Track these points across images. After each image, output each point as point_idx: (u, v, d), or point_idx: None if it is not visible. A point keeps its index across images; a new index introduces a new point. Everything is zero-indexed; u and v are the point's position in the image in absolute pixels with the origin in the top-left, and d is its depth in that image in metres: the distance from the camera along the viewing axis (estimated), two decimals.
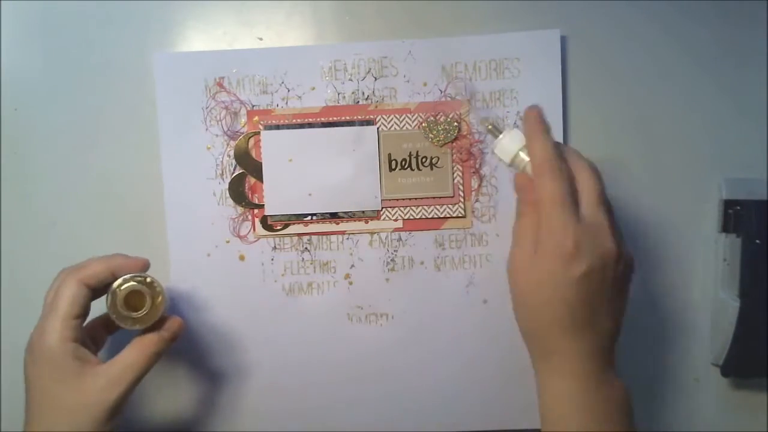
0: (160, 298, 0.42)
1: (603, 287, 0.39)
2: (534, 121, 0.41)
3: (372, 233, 0.51)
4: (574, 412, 0.40)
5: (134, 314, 0.42)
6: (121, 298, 0.42)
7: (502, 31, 0.50)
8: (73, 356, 0.40)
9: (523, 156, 0.42)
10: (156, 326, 0.43)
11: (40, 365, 0.40)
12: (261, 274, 0.51)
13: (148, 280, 0.42)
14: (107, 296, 0.42)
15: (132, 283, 0.42)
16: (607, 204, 0.41)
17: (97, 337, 0.46)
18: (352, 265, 0.51)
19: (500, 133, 0.43)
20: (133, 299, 0.42)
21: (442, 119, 0.50)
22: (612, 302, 0.40)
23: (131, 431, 0.52)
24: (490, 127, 0.44)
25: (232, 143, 0.51)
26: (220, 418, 0.52)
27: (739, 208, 0.50)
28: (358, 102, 0.51)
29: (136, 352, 0.42)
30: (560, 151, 0.41)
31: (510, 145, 0.43)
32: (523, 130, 0.42)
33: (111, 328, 0.47)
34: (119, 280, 0.42)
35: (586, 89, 0.51)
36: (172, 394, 0.52)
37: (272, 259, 0.51)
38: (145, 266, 0.44)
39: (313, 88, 0.51)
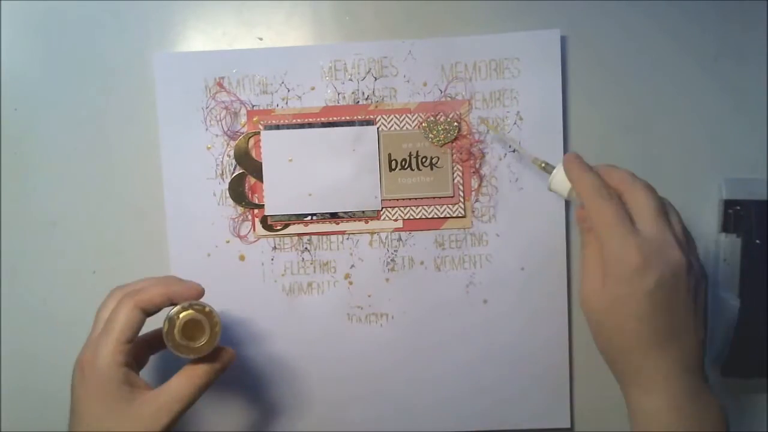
0: (217, 328, 0.41)
1: (678, 297, 0.38)
2: (572, 160, 0.43)
3: (372, 233, 0.51)
4: (666, 430, 0.38)
5: (192, 344, 0.40)
6: (179, 327, 0.40)
7: (502, 31, 0.50)
8: (123, 381, 0.39)
9: None
10: (208, 355, 0.41)
11: (90, 387, 0.39)
12: (261, 274, 0.51)
13: (207, 309, 0.41)
14: (164, 323, 0.40)
15: (191, 311, 0.41)
16: (666, 216, 0.40)
17: (140, 356, 0.45)
18: (352, 265, 0.51)
19: (553, 168, 0.45)
20: (190, 328, 0.41)
21: (442, 119, 0.50)
22: (690, 314, 0.39)
23: None
24: (543, 165, 0.46)
25: (232, 143, 0.51)
26: (220, 417, 0.52)
27: (739, 208, 0.50)
28: (358, 102, 0.51)
29: (186, 382, 0.41)
30: (604, 179, 0.41)
31: (565, 179, 0.44)
32: (566, 170, 0.43)
33: (155, 348, 0.46)
34: (177, 308, 0.41)
35: (586, 89, 0.51)
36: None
37: (272, 259, 0.51)
38: (201, 293, 0.43)
39: (313, 88, 0.51)
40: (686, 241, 0.40)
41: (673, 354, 0.39)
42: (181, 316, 0.41)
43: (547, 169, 0.45)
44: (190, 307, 0.41)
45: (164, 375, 0.42)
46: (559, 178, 0.44)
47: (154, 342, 0.45)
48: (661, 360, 0.39)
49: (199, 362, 0.41)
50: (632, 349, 0.39)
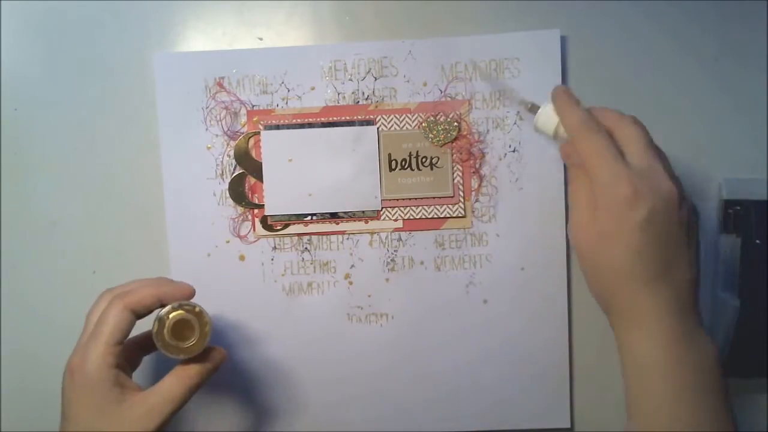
0: (207, 328, 0.41)
1: (670, 230, 0.37)
2: (562, 94, 0.42)
3: (372, 233, 0.51)
4: (658, 373, 0.37)
5: (182, 344, 0.40)
6: (169, 327, 0.40)
7: (502, 31, 0.50)
8: (113, 383, 0.39)
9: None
10: (199, 356, 0.41)
11: (80, 389, 0.39)
12: (261, 274, 0.51)
13: (197, 309, 0.41)
14: (154, 323, 0.40)
15: (180, 311, 0.41)
16: (656, 150, 0.40)
17: (132, 357, 0.45)
18: (352, 265, 0.51)
19: (539, 108, 0.45)
20: (180, 328, 0.41)
21: (442, 119, 0.50)
22: (682, 248, 0.38)
23: None
24: (529, 105, 0.46)
25: (232, 143, 0.51)
26: (217, 418, 0.52)
27: (739, 208, 0.50)
28: (358, 102, 0.51)
29: (177, 382, 0.40)
30: (592, 112, 0.41)
31: (551, 116, 0.43)
32: (555, 105, 0.43)
33: (147, 349, 0.46)
34: (167, 308, 0.41)
35: (586, 89, 0.51)
36: None
37: (272, 259, 0.51)
38: (192, 293, 0.43)
39: (313, 88, 0.51)
40: (675, 175, 0.40)
41: (666, 291, 0.38)
42: (170, 316, 0.40)
43: (533, 109, 0.45)
44: (180, 307, 0.41)
45: (157, 377, 0.42)
46: (545, 116, 0.44)
47: (146, 344, 0.44)
48: (654, 297, 0.38)
49: (190, 362, 0.41)
50: (624, 284, 0.38)
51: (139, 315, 0.42)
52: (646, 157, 0.39)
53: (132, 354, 0.45)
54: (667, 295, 0.38)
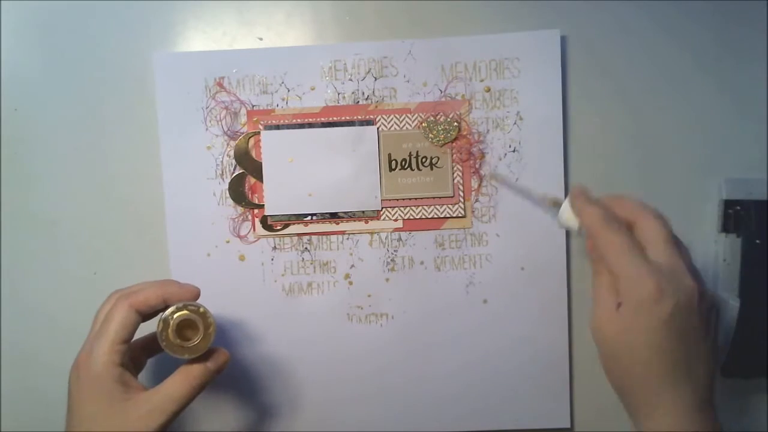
0: (211, 329, 0.41)
1: (692, 327, 0.38)
2: (578, 195, 0.42)
3: (372, 233, 0.51)
4: None
5: (186, 344, 0.41)
6: (173, 327, 0.40)
7: (502, 31, 0.50)
8: (118, 381, 0.40)
9: None
10: (203, 356, 0.42)
11: (85, 386, 0.40)
12: (261, 274, 0.51)
13: (201, 309, 0.41)
14: (158, 323, 0.41)
15: (185, 311, 0.41)
16: (678, 244, 0.40)
17: (137, 359, 0.45)
18: (352, 265, 0.51)
19: (561, 204, 0.44)
20: (184, 328, 0.41)
21: (442, 119, 0.50)
22: (702, 343, 0.38)
23: None
24: (551, 203, 0.46)
25: (232, 143, 0.51)
26: (219, 417, 0.52)
27: (739, 208, 0.50)
28: (358, 102, 0.51)
29: (181, 382, 0.41)
30: (610, 209, 0.41)
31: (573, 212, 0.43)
32: (572, 205, 0.43)
33: (152, 351, 0.46)
34: (172, 308, 0.41)
35: (586, 89, 0.51)
36: None
37: (272, 259, 0.51)
38: (197, 295, 0.43)
39: (313, 88, 0.51)
40: (696, 270, 0.40)
41: (686, 386, 0.38)
42: (175, 316, 0.41)
43: (556, 204, 0.45)
44: (185, 307, 0.41)
45: (161, 378, 0.42)
46: (568, 213, 0.43)
47: (152, 345, 0.45)
48: (674, 393, 0.38)
49: (194, 363, 0.42)
50: (645, 380, 0.38)
51: (145, 315, 0.42)
52: (668, 253, 0.38)
53: (137, 356, 0.45)
54: (686, 390, 0.38)
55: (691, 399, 0.38)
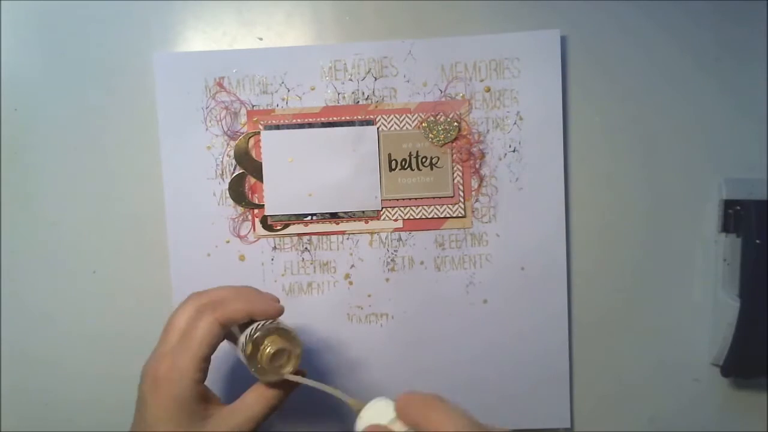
0: (299, 351, 0.39)
1: None
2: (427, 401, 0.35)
3: (372, 233, 0.51)
4: None
5: (278, 371, 0.39)
6: (267, 355, 0.38)
7: (502, 31, 0.50)
8: (200, 398, 0.38)
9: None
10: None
11: (166, 402, 0.38)
12: (261, 274, 0.51)
13: (292, 335, 0.39)
14: (247, 344, 0.38)
15: (276, 337, 0.39)
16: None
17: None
18: (352, 265, 0.51)
19: (362, 406, 0.36)
20: (276, 355, 0.39)
21: (442, 119, 0.50)
22: None
23: None
24: (351, 403, 0.37)
25: (232, 143, 0.51)
26: None
27: (739, 208, 0.50)
28: (358, 102, 0.51)
29: (260, 402, 0.40)
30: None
31: (375, 418, 0.36)
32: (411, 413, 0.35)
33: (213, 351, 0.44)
34: (262, 331, 0.38)
35: (586, 89, 0.51)
36: None
37: (272, 259, 0.51)
38: (281, 312, 0.41)
39: (313, 88, 0.51)
40: None
41: None
42: (266, 341, 0.39)
43: (355, 407, 0.37)
44: (276, 332, 0.39)
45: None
46: (370, 416, 0.36)
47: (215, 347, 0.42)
48: None
49: (273, 383, 0.40)
50: None
51: (228, 328, 0.40)
52: None
53: None
54: None
55: None
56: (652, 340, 0.53)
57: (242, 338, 0.39)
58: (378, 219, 0.51)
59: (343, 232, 0.51)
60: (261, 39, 0.51)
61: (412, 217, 0.51)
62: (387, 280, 0.52)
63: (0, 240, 0.52)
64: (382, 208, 0.51)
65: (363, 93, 0.51)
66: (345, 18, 0.51)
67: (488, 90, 0.50)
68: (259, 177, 0.51)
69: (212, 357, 0.39)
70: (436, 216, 0.51)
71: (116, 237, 0.52)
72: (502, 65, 0.50)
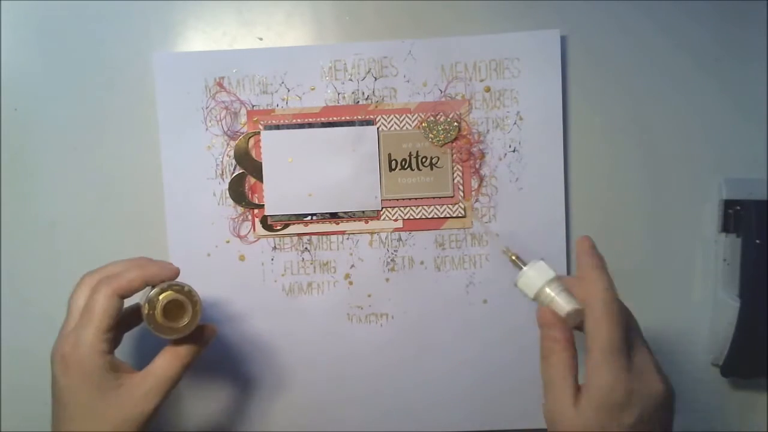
0: (198, 307, 0.40)
1: (653, 429, 0.36)
2: (590, 254, 0.38)
3: (372, 233, 0.51)
4: None
5: (174, 324, 0.40)
6: (161, 309, 0.40)
7: (502, 31, 0.50)
8: (109, 368, 0.39)
9: (549, 291, 0.39)
10: (189, 334, 0.41)
11: (75, 378, 0.39)
12: (261, 274, 0.51)
13: (186, 288, 0.40)
14: (144, 305, 0.40)
15: (170, 292, 0.40)
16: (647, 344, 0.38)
17: (116, 336, 0.44)
18: (352, 265, 0.51)
19: (524, 265, 0.40)
20: (171, 308, 0.40)
21: (442, 119, 0.50)
22: None
23: None
24: (513, 258, 0.41)
25: (232, 143, 0.51)
26: (220, 416, 0.52)
27: (739, 208, 0.50)
28: (358, 102, 0.51)
29: (171, 361, 0.41)
30: (615, 290, 0.37)
31: (536, 279, 0.39)
32: (578, 262, 0.39)
33: (129, 326, 0.45)
34: (156, 289, 0.40)
35: (586, 89, 0.51)
36: None
37: (272, 259, 0.51)
38: (177, 273, 0.42)
39: (313, 88, 0.51)
40: (660, 366, 0.38)
41: None
42: (161, 297, 0.40)
43: (518, 263, 0.41)
44: (169, 288, 0.40)
45: (140, 349, 0.42)
46: (531, 277, 0.39)
47: (128, 320, 0.44)
48: None
49: (180, 341, 0.41)
50: None
51: (126, 298, 0.41)
52: (641, 353, 0.37)
53: (115, 333, 0.44)
54: None
55: None
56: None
57: (142, 303, 0.40)
58: (378, 219, 0.51)
59: (343, 232, 0.51)
60: (261, 39, 0.51)
61: (412, 217, 0.51)
62: (387, 280, 0.52)
63: (0, 240, 0.52)
64: (382, 208, 0.51)
65: (363, 93, 0.51)
66: (345, 18, 0.51)
67: (488, 90, 0.50)
68: (259, 177, 0.51)
69: (134, 339, 0.40)
70: (436, 216, 0.51)
71: (116, 237, 0.52)
72: (502, 65, 0.50)
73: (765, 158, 0.51)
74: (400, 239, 0.51)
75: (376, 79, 0.51)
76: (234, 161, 0.51)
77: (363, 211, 0.51)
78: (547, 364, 0.38)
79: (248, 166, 0.51)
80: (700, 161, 0.52)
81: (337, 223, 0.51)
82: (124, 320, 0.44)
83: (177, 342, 0.41)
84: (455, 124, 0.50)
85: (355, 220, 0.51)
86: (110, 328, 0.40)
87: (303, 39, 0.51)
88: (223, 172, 0.51)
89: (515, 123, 0.51)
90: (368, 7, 0.51)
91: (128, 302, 0.42)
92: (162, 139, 0.51)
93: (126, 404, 0.39)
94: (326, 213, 0.51)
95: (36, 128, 0.51)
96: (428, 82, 0.50)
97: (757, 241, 0.49)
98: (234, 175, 0.51)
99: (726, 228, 0.51)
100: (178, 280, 0.42)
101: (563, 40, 0.50)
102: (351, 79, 0.51)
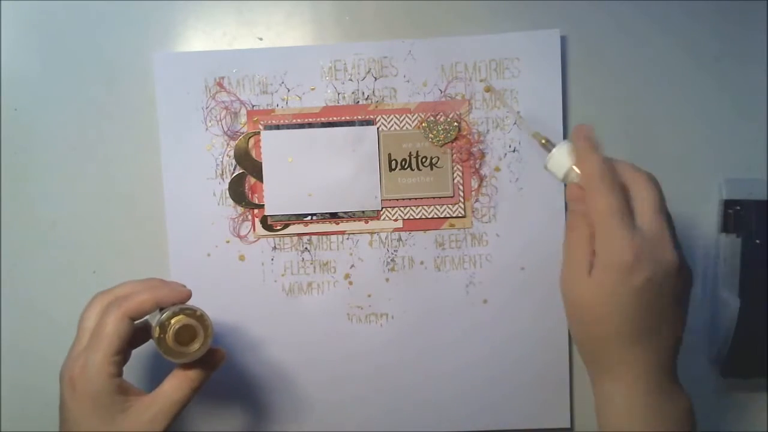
0: (209, 331, 0.40)
1: (663, 299, 0.38)
2: (583, 137, 0.41)
3: (372, 233, 0.51)
4: (635, 424, 0.38)
5: (185, 349, 0.40)
6: (172, 334, 0.40)
7: (502, 31, 0.50)
8: (117, 391, 0.39)
9: (577, 170, 0.41)
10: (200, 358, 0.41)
11: (84, 400, 0.39)
12: (261, 274, 0.51)
13: (198, 313, 0.40)
14: (155, 328, 0.40)
15: (182, 316, 0.40)
16: (666, 215, 0.39)
17: (124, 355, 0.44)
18: (352, 265, 0.51)
19: (553, 146, 0.42)
20: (182, 332, 0.40)
21: (442, 119, 0.50)
22: (672, 314, 0.39)
23: None
24: (543, 141, 0.43)
25: (232, 143, 0.51)
26: (220, 417, 0.52)
27: (739, 208, 0.50)
28: (358, 102, 0.51)
29: (180, 385, 0.41)
30: (611, 164, 0.40)
31: (564, 159, 0.42)
32: (575, 147, 0.41)
33: (136, 344, 0.45)
34: (168, 313, 0.40)
35: (586, 89, 0.51)
36: None
37: (272, 259, 0.51)
38: (189, 296, 0.42)
39: (313, 88, 0.51)
40: (679, 244, 0.40)
41: (650, 349, 0.39)
42: (172, 321, 0.40)
43: (547, 146, 0.43)
44: (181, 312, 0.40)
45: (148, 369, 0.42)
46: (558, 158, 0.42)
47: (137, 337, 0.44)
48: (638, 354, 0.38)
49: (190, 364, 0.41)
50: (610, 342, 0.39)
51: (137, 321, 0.41)
52: (655, 222, 0.38)
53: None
54: (650, 355, 0.39)
55: (653, 361, 0.39)
56: None
57: (153, 325, 0.40)
58: (378, 219, 0.51)
59: (343, 232, 0.51)
60: (261, 39, 0.51)
61: (412, 217, 0.51)
62: (387, 280, 0.52)
63: (0, 240, 0.52)
64: (382, 208, 0.51)
65: (363, 93, 0.51)
66: (345, 18, 0.51)
67: (488, 90, 0.50)
68: (259, 177, 0.51)
69: (141, 357, 0.40)
70: (436, 216, 0.51)
71: (116, 237, 0.52)
72: (502, 65, 0.50)
73: (765, 158, 0.51)
74: (400, 239, 0.51)
75: (376, 79, 0.51)
76: (234, 161, 0.51)
77: (363, 211, 0.51)
78: (569, 237, 0.41)
79: (248, 166, 0.51)
80: (700, 161, 0.52)
81: (337, 223, 0.51)
82: (132, 338, 0.44)
83: (186, 366, 0.41)
84: (455, 124, 0.50)
85: (355, 220, 0.51)
86: (119, 351, 0.40)
87: (303, 39, 0.51)
88: (223, 172, 0.51)
89: (515, 123, 0.51)
90: (368, 7, 0.51)
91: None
92: (162, 139, 0.51)
93: (134, 427, 0.39)
94: (326, 213, 0.51)
95: (36, 128, 0.51)
96: (428, 82, 0.50)
97: (757, 241, 0.49)
98: (234, 175, 0.51)
99: (726, 228, 0.51)
100: (190, 303, 0.41)
101: (563, 40, 0.50)
102: (351, 79, 0.51)
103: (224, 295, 0.51)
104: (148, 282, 0.43)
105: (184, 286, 0.43)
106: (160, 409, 0.40)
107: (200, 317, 0.40)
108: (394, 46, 0.50)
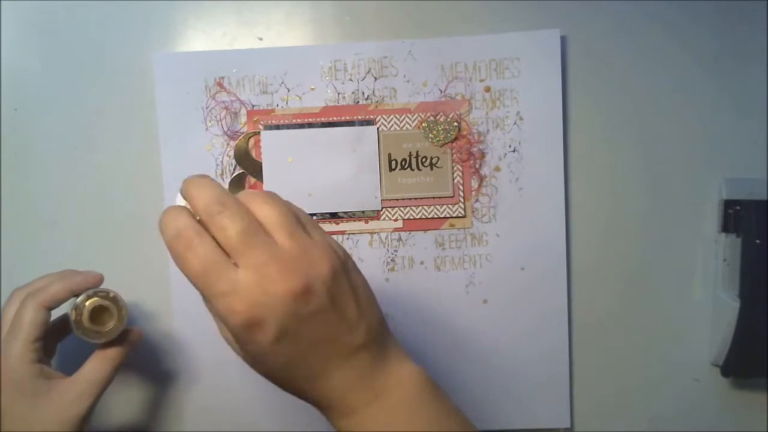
0: (123, 312, 0.43)
1: (319, 317, 0.33)
2: (191, 179, 0.37)
3: (372, 233, 0.51)
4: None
5: (101, 329, 0.42)
6: (87, 314, 0.42)
7: (502, 31, 0.50)
8: (38, 376, 0.41)
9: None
10: (116, 337, 0.43)
11: (7, 387, 0.41)
12: None
13: (111, 294, 0.43)
14: (71, 311, 0.42)
15: (96, 299, 0.42)
16: (302, 222, 0.36)
17: (48, 346, 0.46)
18: None
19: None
20: (97, 314, 0.42)
21: (442, 119, 0.50)
22: (340, 320, 0.35)
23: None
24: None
25: (232, 143, 0.51)
26: (220, 417, 0.52)
27: (739, 208, 0.50)
28: (358, 102, 0.51)
29: (100, 365, 0.43)
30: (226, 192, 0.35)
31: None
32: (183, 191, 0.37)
33: (61, 336, 0.47)
34: (82, 296, 0.42)
35: (586, 89, 0.51)
36: (170, 395, 0.52)
37: None
38: (101, 280, 0.44)
39: (313, 88, 0.51)
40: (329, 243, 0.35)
41: (343, 367, 0.35)
42: (87, 304, 0.42)
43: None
44: (95, 294, 0.43)
45: (73, 359, 0.44)
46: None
47: (60, 330, 0.46)
48: (336, 377, 0.35)
49: (108, 345, 0.43)
50: (295, 382, 0.36)
51: (53, 309, 0.43)
52: (294, 237, 0.34)
53: (48, 343, 0.45)
54: (345, 369, 0.35)
55: (355, 367, 0.36)
56: (652, 340, 0.53)
57: (69, 311, 0.42)
58: (378, 219, 0.51)
59: (343, 232, 0.51)
60: (261, 39, 0.51)
61: (412, 217, 0.51)
62: (387, 280, 0.52)
63: (0, 240, 0.52)
64: (382, 208, 0.51)
65: (363, 93, 0.51)
66: (345, 18, 0.51)
67: (488, 90, 0.50)
68: (259, 177, 0.51)
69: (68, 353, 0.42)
70: (436, 216, 0.51)
71: (116, 237, 0.52)
72: (502, 65, 0.50)
73: (765, 158, 0.51)
74: (400, 239, 0.51)
75: (376, 79, 0.51)
76: (234, 161, 0.51)
77: (363, 211, 0.51)
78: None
79: (248, 166, 0.51)
80: (700, 161, 0.52)
81: (337, 223, 0.51)
82: (55, 330, 0.46)
83: (105, 346, 0.43)
84: (455, 124, 0.50)
85: (355, 220, 0.51)
86: (38, 339, 0.42)
87: (303, 39, 0.51)
88: (223, 172, 0.51)
89: (515, 123, 0.51)
90: (368, 7, 0.51)
91: (59, 311, 0.43)
92: (162, 139, 0.51)
93: (58, 408, 0.41)
94: (326, 213, 0.51)
95: (36, 128, 0.51)
96: (428, 82, 0.50)
97: (757, 241, 0.49)
98: (234, 175, 0.51)
99: (726, 228, 0.51)
100: (104, 286, 0.44)
101: (563, 40, 0.50)
102: (351, 79, 0.51)
103: None
104: (61, 273, 0.45)
105: (96, 272, 0.45)
106: (83, 389, 0.41)
107: (113, 298, 0.43)
108: (394, 46, 0.50)
